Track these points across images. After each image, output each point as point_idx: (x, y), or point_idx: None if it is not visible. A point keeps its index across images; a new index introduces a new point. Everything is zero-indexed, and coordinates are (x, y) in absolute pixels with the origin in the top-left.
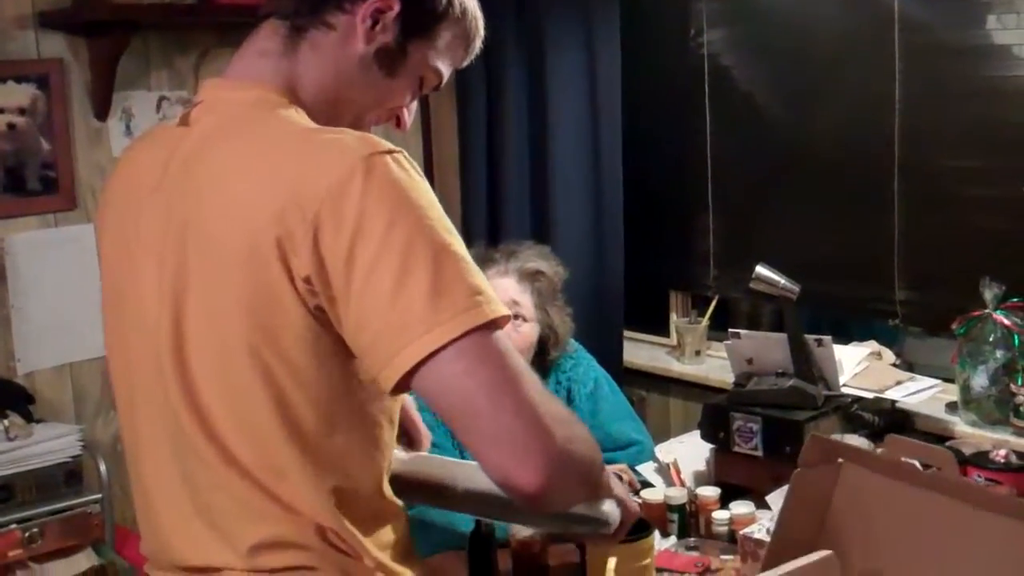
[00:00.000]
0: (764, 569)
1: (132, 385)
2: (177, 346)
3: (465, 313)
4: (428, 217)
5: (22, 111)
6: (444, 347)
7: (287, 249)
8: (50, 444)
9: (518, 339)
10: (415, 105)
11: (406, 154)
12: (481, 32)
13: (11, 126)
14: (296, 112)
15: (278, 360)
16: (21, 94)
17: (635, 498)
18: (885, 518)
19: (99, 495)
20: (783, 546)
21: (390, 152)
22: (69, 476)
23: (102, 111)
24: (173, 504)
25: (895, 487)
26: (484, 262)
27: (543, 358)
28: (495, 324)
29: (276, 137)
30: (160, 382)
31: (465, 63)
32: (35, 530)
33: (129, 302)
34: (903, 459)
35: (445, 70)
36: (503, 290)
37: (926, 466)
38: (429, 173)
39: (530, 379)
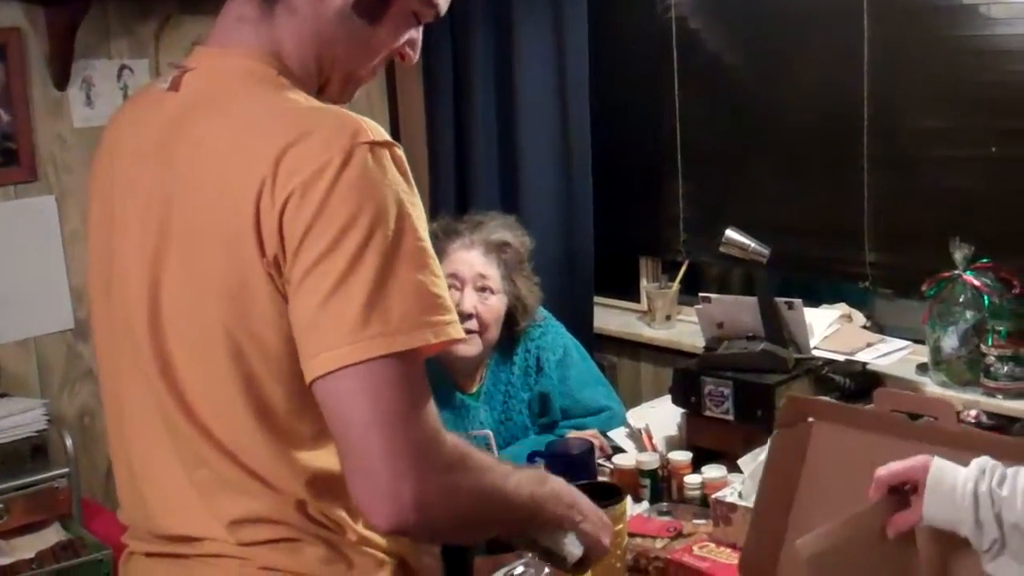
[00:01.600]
0: (751, 535)
1: (116, 354)
2: (154, 319)
3: (392, 336)
4: (389, 225)
5: None
6: (357, 363)
7: (262, 229)
8: (15, 419)
9: (486, 311)
10: (420, 35)
11: (397, 148)
12: None
13: None
14: (284, 84)
15: (249, 339)
16: None
17: (607, 464)
18: (865, 473)
19: (65, 469)
20: (765, 508)
21: (375, 144)
22: (35, 451)
23: (61, 81)
24: (163, 474)
25: (874, 441)
26: (449, 234)
27: (512, 329)
28: (418, 353)
29: (263, 113)
30: (141, 355)
31: None
32: (1, 506)
33: (115, 271)
34: (892, 412)
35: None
36: (469, 264)
37: (915, 417)
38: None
39: (425, 419)
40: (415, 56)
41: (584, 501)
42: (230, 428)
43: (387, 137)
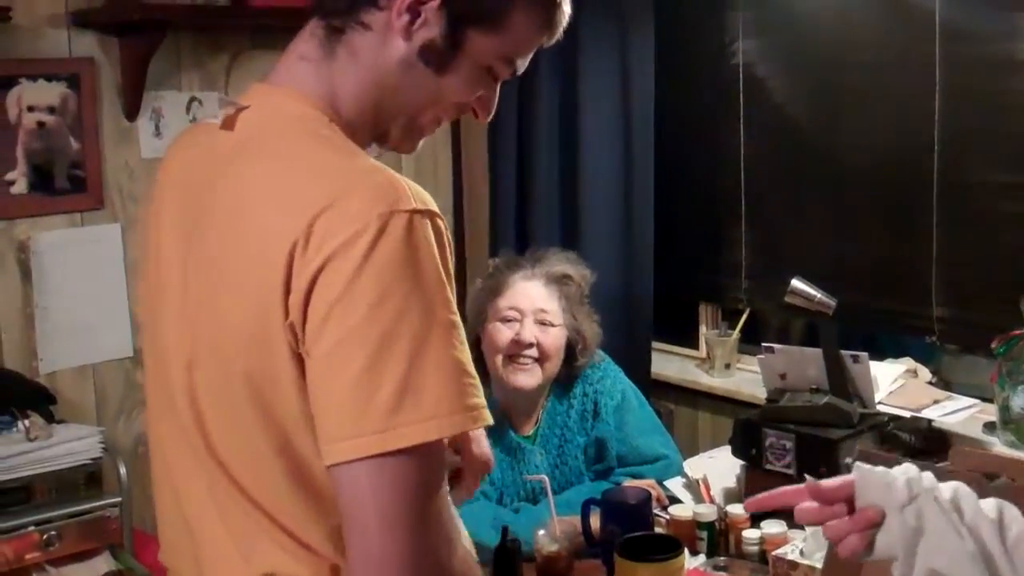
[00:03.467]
0: None
1: (157, 399)
2: (189, 365)
3: (425, 423)
4: (424, 301)
5: (52, 110)
6: (385, 455)
7: (290, 292)
8: (70, 445)
9: (547, 339)
10: (495, 94)
11: (439, 219)
12: (565, 8)
13: (41, 124)
14: (332, 133)
15: (274, 392)
16: (52, 93)
17: (662, 514)
18: None
19: (118, 498)
20: (833, 572)
21: (414, 213)
22: (89, 478)
23: (132, 111)
24: (204, 522)
25: None
26: (510, 267)
27: (571, 364)
28: (442, 443)
29: (304, 167)
30: (175, 399)
31: (549, 43)
32: (53, 532)
33: (158, 308)
34: (969, 472)
35: (520, 58)
36: (530, 297)
37: (991, 478)
38: (458, 179)
39: (445, 514)
40: (486, 116)
41: None
42: (261, 483)
43: (429, 205)
